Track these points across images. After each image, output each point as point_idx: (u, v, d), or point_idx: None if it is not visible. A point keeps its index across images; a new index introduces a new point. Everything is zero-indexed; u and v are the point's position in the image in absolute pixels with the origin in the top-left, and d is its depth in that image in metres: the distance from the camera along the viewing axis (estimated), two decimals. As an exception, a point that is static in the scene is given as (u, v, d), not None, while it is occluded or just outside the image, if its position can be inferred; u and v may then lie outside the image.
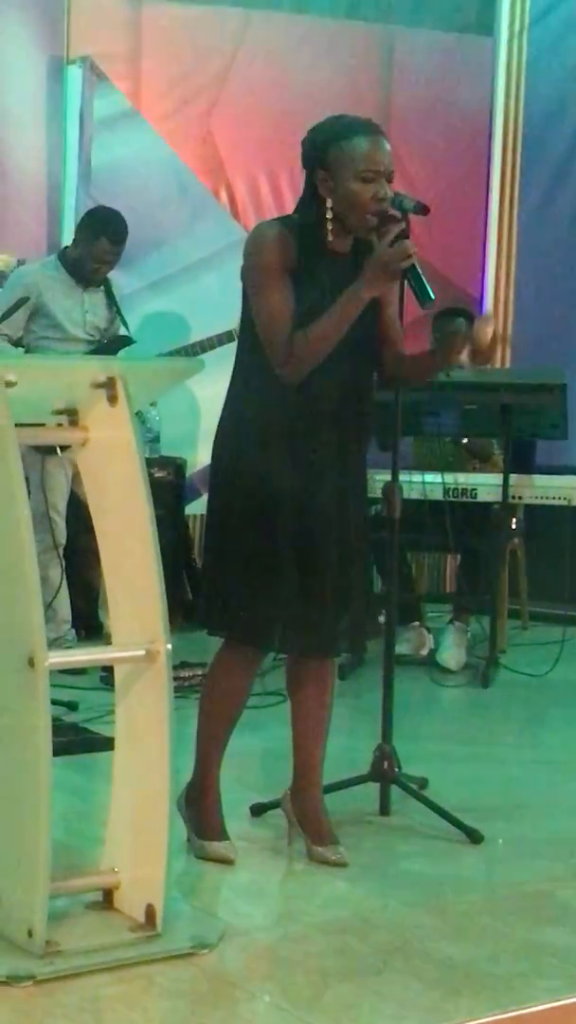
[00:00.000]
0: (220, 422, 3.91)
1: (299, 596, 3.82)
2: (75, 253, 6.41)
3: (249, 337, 3.84)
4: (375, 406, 3.96)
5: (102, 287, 6.46)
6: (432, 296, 3.72)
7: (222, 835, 3.95)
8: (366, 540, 3.98)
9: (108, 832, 3.43)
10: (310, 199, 3.81)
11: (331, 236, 3.76)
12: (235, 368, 3.89)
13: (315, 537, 3.81)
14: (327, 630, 3.91)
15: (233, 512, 3.83)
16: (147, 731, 3.30)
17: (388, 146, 3.77)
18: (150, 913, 3.28)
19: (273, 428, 3.79)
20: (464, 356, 4.09)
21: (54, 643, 5.75)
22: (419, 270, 3.72)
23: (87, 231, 6.41)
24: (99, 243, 6.34)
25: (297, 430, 3.79)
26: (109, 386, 3.26)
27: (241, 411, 3.85)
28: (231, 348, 4.02)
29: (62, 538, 6.27)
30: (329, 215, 3.75)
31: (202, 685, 4.11)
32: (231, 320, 6.39)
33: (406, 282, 3.78)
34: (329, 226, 3.76)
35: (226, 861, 3.89)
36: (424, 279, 3.72)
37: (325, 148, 3.75)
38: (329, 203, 3.75)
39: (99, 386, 3.26)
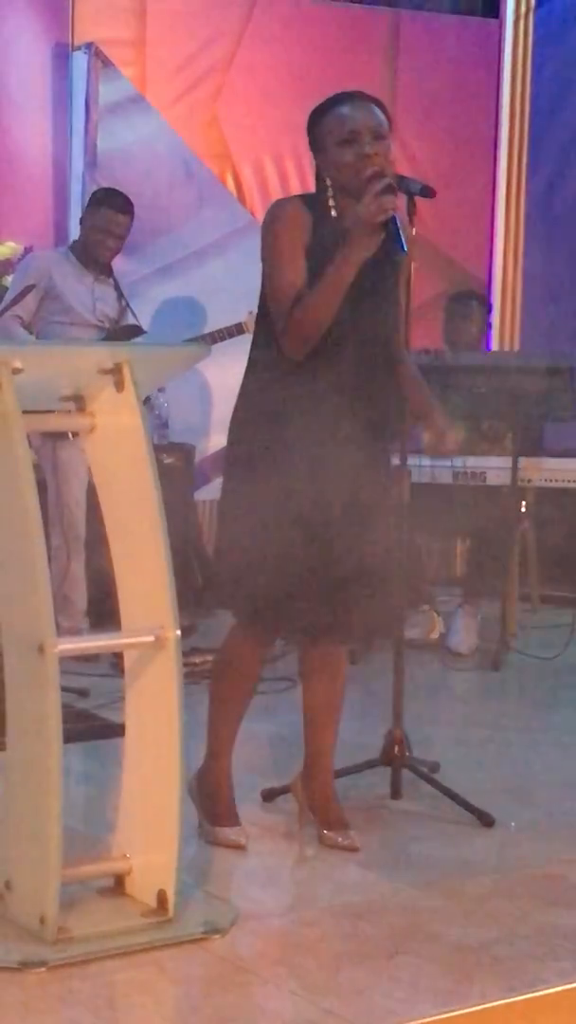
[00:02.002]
0: (236, 406, 3.91)
1: (316, 582, 3.80)
2: (82, 234, 6.42)
3: (266, 320, 3.85)
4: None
5: (111, 280, 6.46)
6: (404, 250, 3.73)
7: (233, 821, 3.95)
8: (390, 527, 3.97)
9: (119, 818, 3.43)
10: (317, 181, 3.87)
11: (334, 212, 3.78)
12: (251, 352, 3.88)
13: (331, 523, 3.79)
14: (343, 616, 3.89)
15: (248, 495, 3.82)
16: (157, 717, 3.30)
17: (375, 109, 3.83)
18: (162, 899, 3.29)
19: (289, 413, 3.77)
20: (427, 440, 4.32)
21: (68, 631, 5.77)
22: (399, 223, 3.71)
23: (89, 207, 6.48)
24: (100, 213, 6.37)
25: (314, 415, 3.76)
26: (116, 372, 3.25)
27: (257, 395, 3.84)
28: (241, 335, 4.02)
29: (81, 528, 6.22)
30: (330, 191, 3.80)
31: (212, 670, 4.10)
32: (239, 305, 6.40)
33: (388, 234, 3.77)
34: (331, 202, 3.79)
35: (237, 847, 3.89)
36: (402, 232, 3.72)
37: (313, 129, 3.85)
38: (329, 180, 3.81)
39: (106, 372, 3.26)
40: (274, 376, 3.80)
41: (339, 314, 3.71)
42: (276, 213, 3.84)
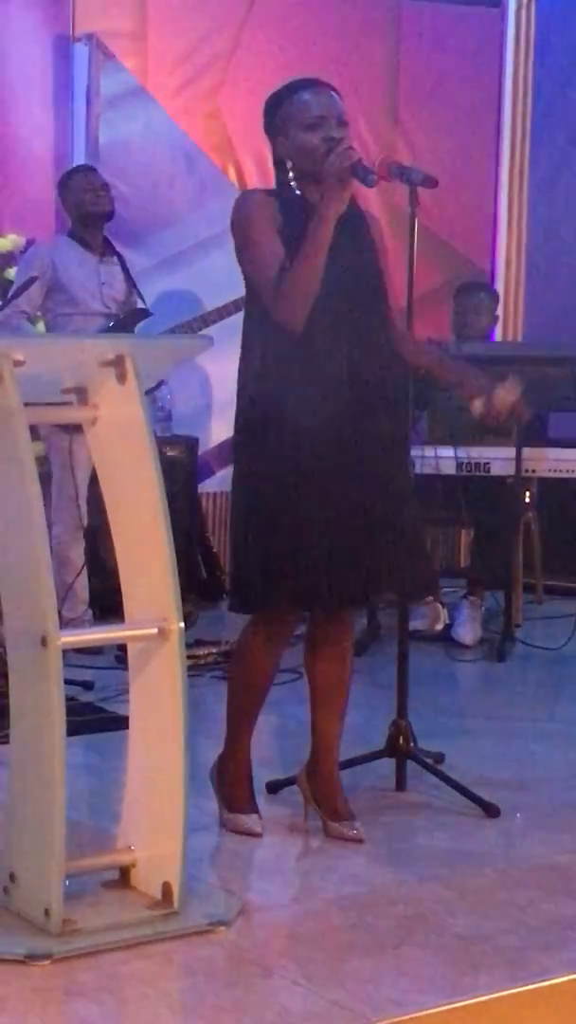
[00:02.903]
0: (237, 398, 3.91)
1: (326, 553, 3.79)
2: (72, 211, 6.44)
3: (252, 308, 3.88)
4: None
5: (115, 258, 6.46)
6: (372, 182, 3.73)
7: (251, 808, 3.98)
8: (407, 496, 3.99)
9: (124, 811, 3.44)
10: (276, 166, 3.92)
11: (297, 191, 3.83)
12: (243, 343, 3.89)
13: (339, 498, 3.79)
14: (356, 581, 3.89)
15: (256, 489, 3.83)
16: (161, 709, 3.30)
17: (335, 96, 3.86)
18: (167, 891, 3.29)
19: (286, 395, 3.78)
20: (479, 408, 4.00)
21: (71, 624, 5.77)
22: (363, 165, 3.72)
23: (62, 187, 6.55)
24: (74, 180, 6.44)
25: (311, 394, 3.77)
26: (118, 364, 3.25)
27: (254, 382, 3.86)
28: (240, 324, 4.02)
29: (83, 519, 6.26)
30: (291, 174, 3.84)
31: (224, 661, 4.11)
32: (240, 294, 6.38)
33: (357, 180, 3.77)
34: (293, 184, 3.84)
35: (253, 834, 3.92)
36: (367, 168, 3.73)
37: (274, 113, 3.89)
38: (289, 164, 3.85)
39: (108, 364, 3.26)
40: (266, 360, 3.82)
41: (329, 291, 3.74)
42: (241, 203, 3.90)
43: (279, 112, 3.87)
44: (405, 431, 4.02)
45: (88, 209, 6.39)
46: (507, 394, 3.99)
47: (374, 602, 4.07)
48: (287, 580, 3.81)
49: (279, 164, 3.90)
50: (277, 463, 3.79)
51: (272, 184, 3.94)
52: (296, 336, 3.75)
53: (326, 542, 3.79)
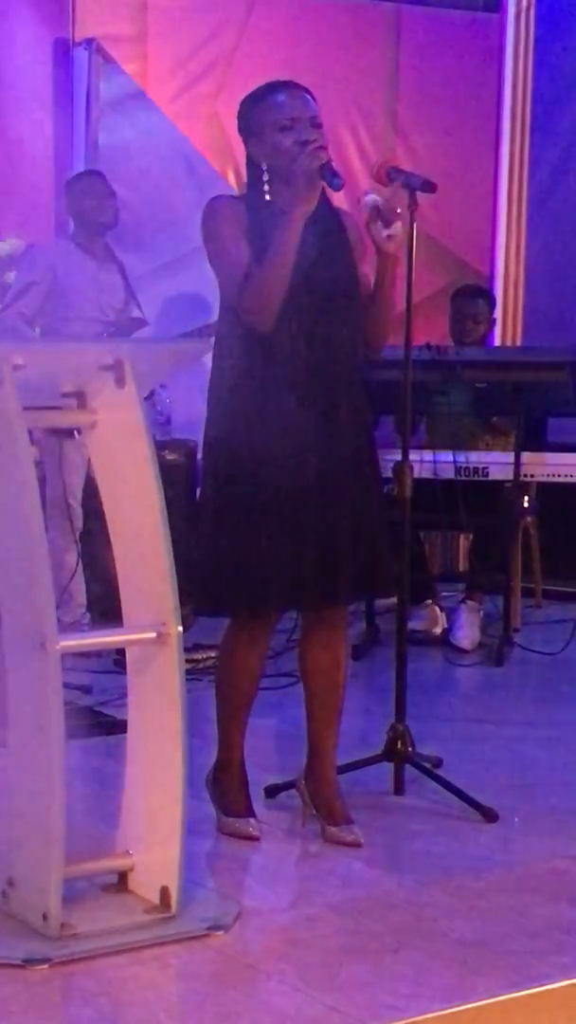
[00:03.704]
0: (208, 401, 3.92)
1: (294, 553, 3.80)
2: (76, 216, 6.44)
3: (223, 314, 3.90)
4: (388, 386, 3.94)
5: (115, 265, 6.46)
6: (338, 186, 3.73)
7: (247, 812, 3.98)
8: (377, 492, 3.98)
9: (122, 815, 3.44)
10: (249, 168, 3.95)
11: (268, 196, 3.84)
12: (215, 344, 3.91)
13: (304, 496, 3.80)
14: (327, 582, 3.89)
15: (223, 490, 3.85)
16: (160, 713, 3.30)
17: (309, 98, 3.87)
18: (165, 895, 3.29)
19: (253, 398, 3.80)
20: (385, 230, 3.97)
21: (69, 627, 5.77)
22: (332, 168, 3.73)
23: (68, 191, 6.55)
24: (80, 185, 6.46)
25: (277, 397, 3.79)
26: (117, 368, 3.25)
27: (224, 384, 3.87)
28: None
29: (79, 522, 6.26)
30: (265, 176, 3.85)
31: (215, 667, 4.11)
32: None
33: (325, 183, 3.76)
34: (266, 187, 3.85)
35: (250, 838, 3.92)
36: (335, 172, 3.73)
37: (247, 115, 3.93)
38: (264, 165, 3.86)
39: (107, 368, 3.26)
40: (236, 365, 3.83)
41: (292, 281, 3.74)
42: (208, 210, 3.91)
43: (253, 113, 3.90)
44: (370, 433, 4.01)
45: (91, 216, 6.40)
46: (394, 198, 4.02)
47: (343, 601, 4.02)
48: (254, 582, 3.82)
49: (252, 166, 3.93)
50: (243, 464, 3.80)
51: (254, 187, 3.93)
52: (265, 337, 3.76)
53: (289, 542, 3.79)
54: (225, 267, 3.84)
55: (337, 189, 3.75)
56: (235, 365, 3.84)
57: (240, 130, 3.96)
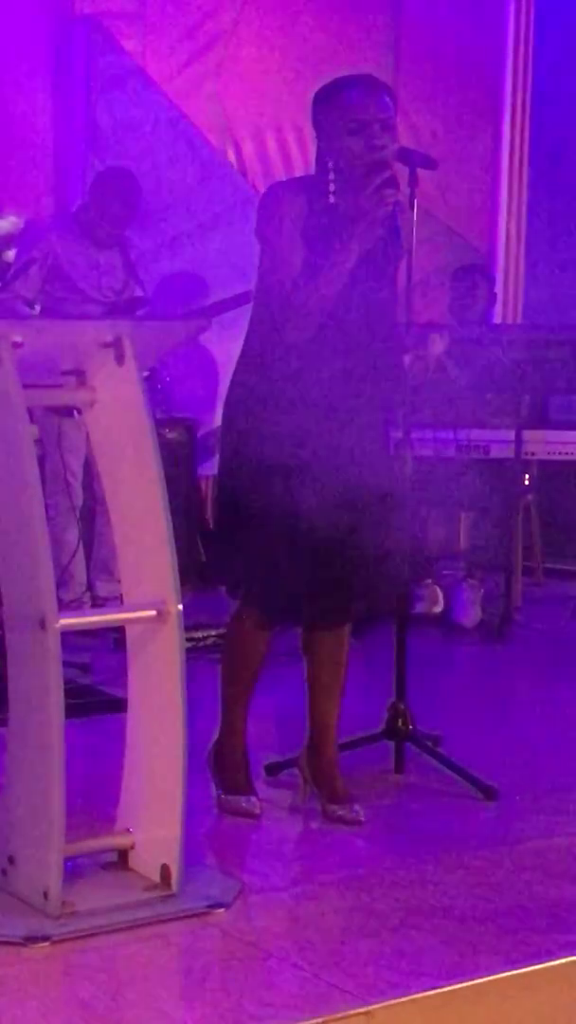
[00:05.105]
0: (231, 385, 3.90)
1: (312, 564, 3.79)
2: (88, 215, 6.39)
3: (260, 298, 3.84)
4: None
5: (117, 247, 6.43)
6: (402, 251, 3.78)
7: (247, 790, 3.98)
8: (400, 503, 3.97)
9: (122, 793, 3.43)
10: (317, 162, 3.82)
11: (332, 197, 3.74)
12: (248, 331, 3.87)
13: (328, 504, 3.77)
14: (340, 597, 3.90)
15: (247, 475, 3.81)
16: (160, 691, 3.30)
17: (385, 96, 3.77)
18: (165, 873, 3.29)
19: (286, 392, 3.76)
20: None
21: (70, 606, 5.77)
22: (401, 205, 3.72)
23: (97, 190, 6.41)
24: (108, 202, 6.33)
25: (310, 393, 3.75)
26: (116, 346, 3.24)
27: (254, 375, 3.83)
28: (245, 307, 4.01)
29: (78, 500, 6.26)
30: (331, 175, 3.74)
31: (221, 644, 4.11)
32: (242, 277, 6.37)
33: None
34: (331, 187, 3.74)
35: (250, 816, 3.93)
36: (402, 231, 3.75)
37: (321, 108, 3.79)
38: (331, 164, 3.75)
39: (106, 346, 3.25)
40: (270, 355, 3.78)
41: (338, 304, 3.70)
42: (269, 198, 3.82)
43: (322, 111, 3.78)
44: (386, 446, 4.00)
45: (97, 229, 6.33)
46: (433, 345, 4.13)
47: (349, 618, 4.03)
48: (257, 576, 3.83)
49: (320, 161, 3.80)
50: (257, 465, 3.77)
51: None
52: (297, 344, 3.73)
53: (310, 554, 3.77)
54: (274, 269, 3.74)
55: (399, 253, 3.79)
56: (267, 362, 3.79)
57: (313, 123, 3.83)
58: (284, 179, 4.03)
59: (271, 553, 3.77)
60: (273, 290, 3.75)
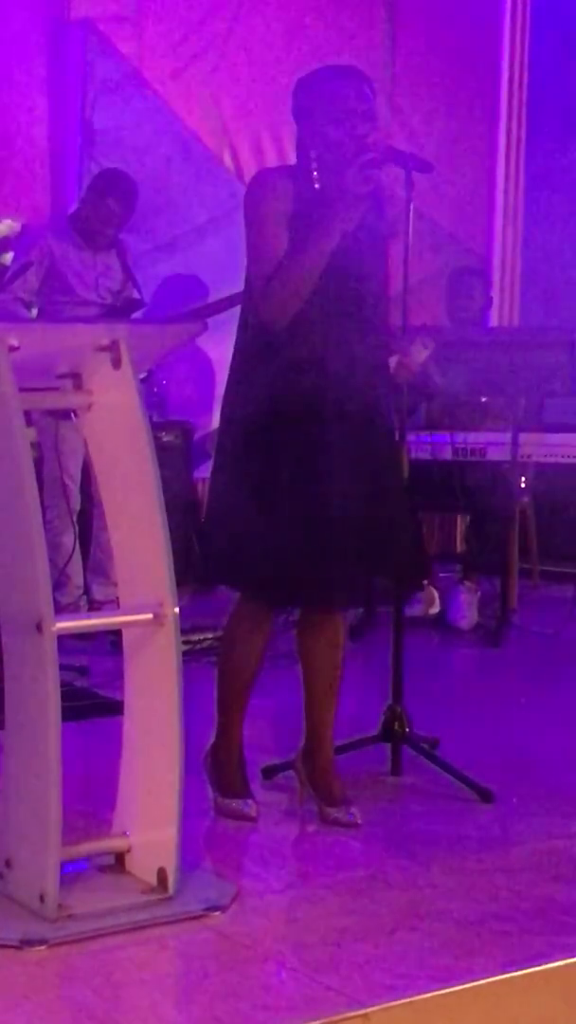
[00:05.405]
0: (228, 381, 3.90)
1: (309, 549, 3.79)
2: (84, 218, 6.40)
3: (248, 287, 3.86)
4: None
5: (114, 250, 6.43)
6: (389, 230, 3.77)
7: (243, 793, 3.98)
8: (399, 492, 3.99)
9: (119, 796, 3.43)
10: (299, 149, 3.87)
11: (317, 184, 3.77)
12: (239, 328, 3.88)
13: (325, 492, 3.78)
14: (338, 583, 3.89)
15: (242, 469, 3.82)
16: (156, 694, 3.30)
17: (366, 87, 3.80)
18: (162, 876, 3.29)
19: (279, 387, 3.77)
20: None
21: (66, 609, 5.77)
22: (383, 189, 3.74)
23: (94, 192, 6.42)
24: (105, 204, 6.33)
25: (303, 388, 3.76)
26: (112, 349, 3.25)
27: (248, 370, 3.84)
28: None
29: (76, 504, 6.26)
30: (314, 164, 3.78)
31: (218, 647, 4.12)
32: (239, 280, 6.37)
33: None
34: (315, 174, 3.77)
35: (247, 819, 3.93)
36: (385, 192, 3.75)
37: (301, 98, 3.84)
38: (313, 153, 3.80)
39: (102, 349, 3.25)
40: (264, 352, 3.79)
41: (323, 286, 3.71)
42: (258, 182, 3.87)
43: (306, 98, 3.82)
44: (391, 432, 4.01)
45: (91, 228, 6.33)
46: (417, 353, 4.10)
47: (354, 602, 4.03)
48: (253, 569, 3.82)
49: (302, 148, 3.85)
50: (253, 456, 3.77)
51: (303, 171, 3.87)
52: (286, 332, 3.73)
53: (316, 538, 3.77)
54: (258, 249, 3.77)
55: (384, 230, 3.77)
56: (262, 357, 3.80)
57: (292, 111, 3.87)
58: (272, 167, 4.06)
59: (281, 529, 3.75)
60: (253, 276, 3.78)
